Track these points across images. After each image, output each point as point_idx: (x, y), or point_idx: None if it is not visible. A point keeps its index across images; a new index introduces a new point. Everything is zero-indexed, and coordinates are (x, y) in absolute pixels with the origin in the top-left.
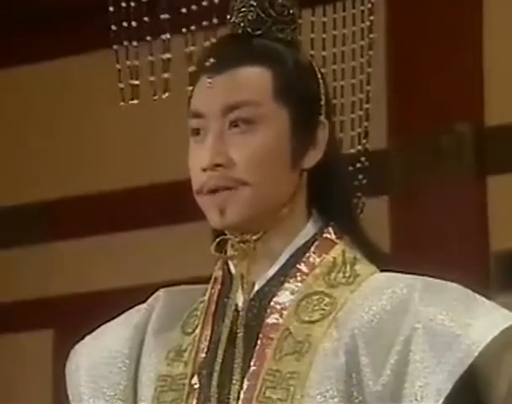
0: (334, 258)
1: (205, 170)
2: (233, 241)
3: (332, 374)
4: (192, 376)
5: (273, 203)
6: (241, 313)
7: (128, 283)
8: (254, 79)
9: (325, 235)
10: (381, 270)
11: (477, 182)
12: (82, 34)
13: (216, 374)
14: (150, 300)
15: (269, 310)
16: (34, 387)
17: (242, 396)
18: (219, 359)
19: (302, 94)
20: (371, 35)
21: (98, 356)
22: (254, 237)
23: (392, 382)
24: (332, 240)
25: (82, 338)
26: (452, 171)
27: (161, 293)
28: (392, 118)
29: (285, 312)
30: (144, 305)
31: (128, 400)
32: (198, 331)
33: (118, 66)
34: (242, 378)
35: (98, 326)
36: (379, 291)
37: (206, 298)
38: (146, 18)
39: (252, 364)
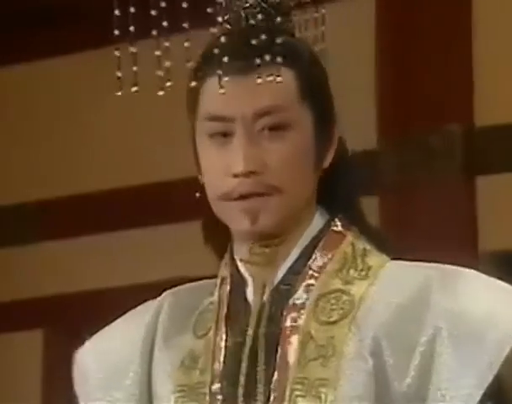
0: (345, 252)
1: (236, 176)
2: (255, 245)
3: (361, 377)
4: (211, 384)
5: (300, 206)
6: (262, 321)
7: (121, 282)
8: (283, 80)
9: (333, 228)
10: (392, 258)
11: (467, 182)
12: (76, 34)
13: (241, 388)
14: (157, 301)
15: (285, 313)
16: (23, 386)
17: None
18: (243, 370)
19: (322, 92)
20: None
21: (108, 363)
22: (276, 241)
23: (417, 382)
24: (340, 232)
25: (88, 338)
26: (442, 171)
27: (167, 294)
28: (381, 118)
29: (303, 314)
30: (152, 308)
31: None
32: (211, 335)
33: (117, 53)
34: (268, 387)
35: (89, 325)
36: (395, 284)
37: (216, 299)
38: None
39: (276, 372)
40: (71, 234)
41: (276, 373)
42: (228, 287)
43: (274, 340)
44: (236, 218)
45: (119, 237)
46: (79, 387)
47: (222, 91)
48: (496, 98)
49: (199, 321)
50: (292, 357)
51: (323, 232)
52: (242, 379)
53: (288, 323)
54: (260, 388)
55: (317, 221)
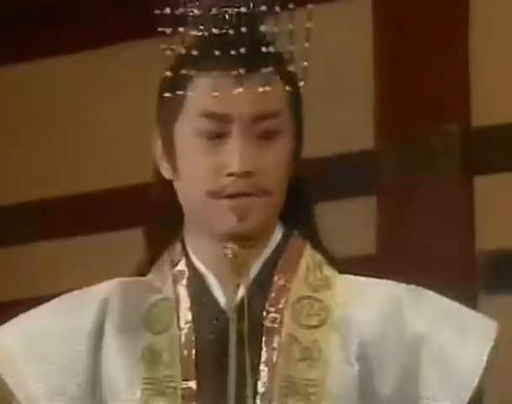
0: (307, 262)
1: (230, 175)
2: (235, 246)
3: (348, 382)
4: (184, 379)
5: (278, 211)
6: (244, 320)
7: None
8: (276, 87)
9: (292, 239)
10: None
11: (465, 182)
12: (76, 34)
13: (232, 385)
14: (102, 292)
15: (265, 313)
16: None
17: (259, 403)
18: (232, 368)
19: (301, 104)
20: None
21: (52, 359)
22: (251, 243)
23: (402, 386)
24: (300, 242)
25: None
26: (440, 171)
27: (113, 283)
28: (380, 118)
29: (283, 317)
30: (99, 296)
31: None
32: (173, 330)
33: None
34: (255, 385)
35: None
36: (364, 295)
37: (170, 295)
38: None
39: (262, 370)
40: (71, 234)
41: (263, 371)
42: (185, 284)
43: (258, 339)
44: (222, 216)
45: (119, 237)
46: (15, 382)
47: (233, 87)
48: (494, 98)
49: (151, 316)
50: (278, 356)
51: (285, 240)
52: (232, 377)
53: (270, 324)
54: (249, 385)
55: (279, 230)
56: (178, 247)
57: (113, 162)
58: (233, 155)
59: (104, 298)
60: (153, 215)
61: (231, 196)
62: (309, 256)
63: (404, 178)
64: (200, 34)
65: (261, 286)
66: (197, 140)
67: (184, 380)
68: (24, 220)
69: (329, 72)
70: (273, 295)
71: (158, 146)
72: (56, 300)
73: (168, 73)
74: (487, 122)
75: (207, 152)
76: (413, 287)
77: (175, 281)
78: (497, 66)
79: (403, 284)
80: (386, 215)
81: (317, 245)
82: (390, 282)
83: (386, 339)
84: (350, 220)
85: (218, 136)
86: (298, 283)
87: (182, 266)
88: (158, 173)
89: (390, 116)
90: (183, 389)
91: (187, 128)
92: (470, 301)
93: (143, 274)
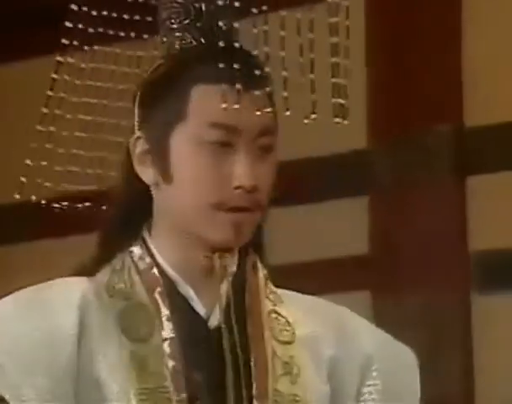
0: (261, 275)
1: (238, 188)
2: (224, 255)
3: (324, 399)
4: (177, 392)
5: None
6: (234, 330)
7: None
8: (271, 103)
9: (249, 254)
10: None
11: (458, 182)
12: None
13: (231, 393)
14: (79, 287)
15: (248, 325)
16: None
17: None
18: (229, 377)
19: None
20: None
21: (37, 366)
22: (232, 253)
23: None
24: (254, 257)
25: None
26: (432, 171)
27: (87, 287)
28: (372, 118)
29: (264, 330)
30: (76, 295)
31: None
32: (156, 338)
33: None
34: (250, 395)
35: None
36: (318, 313)
37: (146, 303)
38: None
39: (255, 382)
40: (70, 233)
41: (255, 383)
42: (160, 292)
43: (247, 350)
44: (221, 228)
45: None
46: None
47: (244, 100)
48: (487, 98)
49: (127, 321)
50: (266, 369)
51: (245, 253)
52: (230, 390)
53: (254, 336)
54: (245, 397)
55: None
56: (139, 252)
57: (112, 162)
58: (243, 168)
59: (83, 295)
60: (113, 217)
61: (232, 209)
62: (260, 269)
63: (397, 178)
64: (194, 44)
65: (239, 298)
66: (199, 149)
67: (176, 391)
68: (25, 219)
69: (322, 72)
70: (249, 304)
71: (141, 149)
72: (25, 294)
73: (158, 78)
74: (480, 122)
75: (212, 163)
76: (349, 311)
77: (149, 288)
78: (490, 66)
79: (340, 306)
80: (379, 215)
81: (263, 259)
82: (327, 301)
83: (348, 356)
84: (343, 220)
85: (222, 146)
86: (262, 295)
87: (153, 273)
88: (128, 176)
89: (383, 117)
90: (177, 401)
91: (189, 136)
92: (463, 301)
93: (88, 275)
